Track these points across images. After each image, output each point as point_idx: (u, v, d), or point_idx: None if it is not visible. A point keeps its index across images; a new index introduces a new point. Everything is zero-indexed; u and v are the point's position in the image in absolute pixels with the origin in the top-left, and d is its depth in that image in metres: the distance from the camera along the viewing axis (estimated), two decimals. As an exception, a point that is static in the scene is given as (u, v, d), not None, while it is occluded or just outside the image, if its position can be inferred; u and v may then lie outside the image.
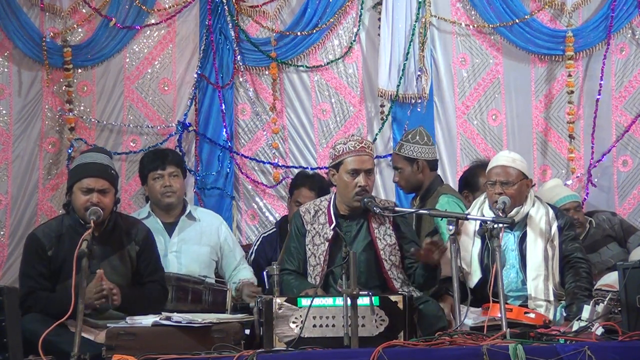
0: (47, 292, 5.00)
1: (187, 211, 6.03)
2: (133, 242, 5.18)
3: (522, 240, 5.38)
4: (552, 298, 5.25)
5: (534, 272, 5.29)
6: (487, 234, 4.93)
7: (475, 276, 5.33)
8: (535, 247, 5.32)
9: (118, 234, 5.16)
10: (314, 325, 4.68)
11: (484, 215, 5.28)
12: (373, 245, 5.24)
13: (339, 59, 7.22)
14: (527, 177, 5.42)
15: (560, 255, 5.34)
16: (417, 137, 6.05)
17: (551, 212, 5.42)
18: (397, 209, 5.24)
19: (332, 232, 5.20)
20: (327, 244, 5.22)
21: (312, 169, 7.02)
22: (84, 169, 5.12)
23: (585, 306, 4.74)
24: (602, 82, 7.06)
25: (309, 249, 5.28)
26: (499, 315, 4.66)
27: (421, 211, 5.44)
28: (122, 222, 5.23)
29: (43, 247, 5.05)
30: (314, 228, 5.29)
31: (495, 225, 4.91)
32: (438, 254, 5.02)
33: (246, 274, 6.02)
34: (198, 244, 5.97)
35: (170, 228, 5.97)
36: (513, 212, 5.33)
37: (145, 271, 5.20)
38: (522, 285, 5.34)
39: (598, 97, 7.05)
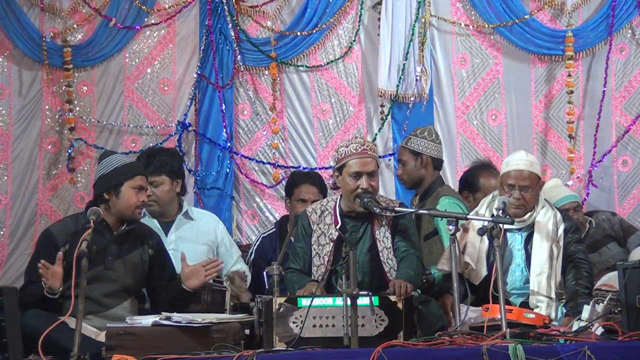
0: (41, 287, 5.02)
1: (184, 210, 6.03)
2: (146, 245, 5.27)
3: (528, 240, 5.41)
4: (553, 295, 5.27)
5: (538, 269, 5.31)
6: (488, 234, 4.95)
7: (481, 273, 5.35)
8: (541, 246, 5.34)
9: (133, 236, 5.23)
10: (314, 325, 4.69)
11: (492, 214, 5.29)
12: (375, 247, 5.25)
13: (338, 59, 7.22)
14: (541, 179, 5.47)
15: (563, 255, 5.35)
16: (426, 133, 6.08)
17: (558, 214, 5.45)
18: (397, 209, 5.23)
19: (337, 233, 5.21)
20: (331, 244, 5.23)
21: (311, 169, 7.01)
22: (136, 167, 5.33)
23: (585, 306, 4.75)
24: (605, 83, 7.05)
25: (314, 248, 5.28)
26: (499, 315, 4.66)
27: (421, 211, 5.43)
28: (136, 225, 5.28)
29: (56, 244, 5.09)
30: (320, 228, 5.30)
31: (496, 225, 4.93)
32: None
33: (239, 267, 6.03)
34: (195, 243, 5.97)
35: (166, 227, 5.97)
36: (526, 217, 5.37)
37: (162, 275, 5.28)
38: (525, 284, 5.36)
39: (602, 99, 7.03)
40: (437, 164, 6.12)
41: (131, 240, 5.23)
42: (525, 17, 7.10)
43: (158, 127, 7.13)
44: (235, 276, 5.80)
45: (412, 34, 7.06)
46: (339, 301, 4.61)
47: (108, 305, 5.09)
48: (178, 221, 6.00)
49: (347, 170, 5.21)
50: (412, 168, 6.07)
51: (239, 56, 7.18)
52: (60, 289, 4.89)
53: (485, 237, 5.32)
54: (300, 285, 5.12)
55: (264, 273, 5.88)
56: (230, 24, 7.14)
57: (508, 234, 5.38)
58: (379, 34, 7.12)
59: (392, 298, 4.75)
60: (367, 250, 5.24)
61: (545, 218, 5.40)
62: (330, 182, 6.05)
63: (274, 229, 6.46)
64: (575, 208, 6.33)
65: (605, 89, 7.04)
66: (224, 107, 7.11)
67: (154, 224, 5.88)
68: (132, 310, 5.19)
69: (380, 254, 5.22)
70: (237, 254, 6.15)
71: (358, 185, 5.17)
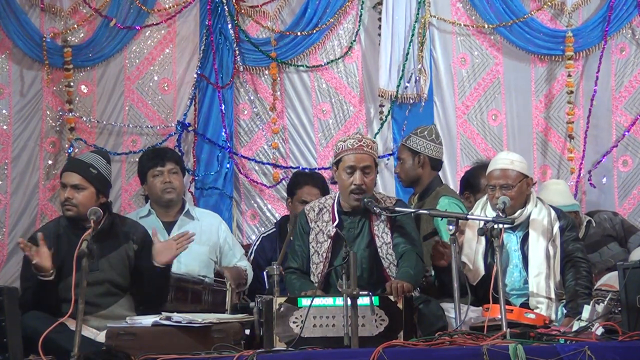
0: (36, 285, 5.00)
1: (186, 209, 6.03)
2: (131, 241, 5.22)
3: (524, 240, 5.38)
4: (553, 296, 5.25)
5: (535, 270, 5.29)
6: (488, 234, 4.95)
7: (478, 274, 5.33)
8: (537, 246, 5.32)
9: (115, 233, 5.19)
10: (314, 325, 4.69)
11: (486, 216, 5.28)
12: (373, 243, 5.25)
13: (339, 59, 7.22)
14: (527, 177, 5.41)
15: (561, 255, 5.34)
16: (426, 133, 6.07)
17: (553, 213, 5.41)
18: (397, 208, 5.23)
19: (334, 230, 5.21)
20: (329, 241, 5.23)
21: (312, 169, 7.02)
22: (65, 165, 5.35)
23: (585, 306, 4.74)
24: (597, 81, 7.05)
25: (313, 246, 5.29)
26: (499, 315, 4.66)
27: (421, 211, 5.42)
28: (120, 222, 5.26)
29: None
30: (318, 226, 5.30)
31: (496, 226, 4.93)
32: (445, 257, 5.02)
33: (241, 264, 6.05)
34: (198, 243, 5.94)
35: (169, 227, 5.97)
36: (516, 214, 5.34)
37: (147, 268, 5.21)
38: (525, 284, 5.35)
39: (592, 98, 7.04)
40: (435, 164, 6.10)
41: (114, 237, 5.18)
42: (525, 17, 7.11)
43: (158, 127, 7.13)
44: (225, 270, 5.81)
45: (412, 34, 7.06)
46: (339, 301, 4.61)
47: (104, 305, 5.08)
48: (180, 221, 6.00)
49: (342, 165, 5.22)
50: (409, 166, 6.07)
51: (239, 56, 7.18)
52: (52, 271, 4.89)
53: (482, 238, 5.32)
54: (300, 292, 5.10)
55: (264, 273, 5.89)
56: (230, 24, 7.14)
57: (504, 235, 5.36)
58: (379, 34, 7.12)
59: (392, 298, 4.75)
60: (365, 246, 5.24)
61: (540, 216, 5.37)
62: (329, 177, 6.04)
63: (274, 229, 6.46)
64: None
65: (596, 87, 7.05)
66: (223, 107, 7.12)
67: (157, 224, 5.88)
68: (130, 307, 5.18)
69: (379, 250, 5.22)
70: (240, 253, 6.16)
71: (351, 180, 5.18)
